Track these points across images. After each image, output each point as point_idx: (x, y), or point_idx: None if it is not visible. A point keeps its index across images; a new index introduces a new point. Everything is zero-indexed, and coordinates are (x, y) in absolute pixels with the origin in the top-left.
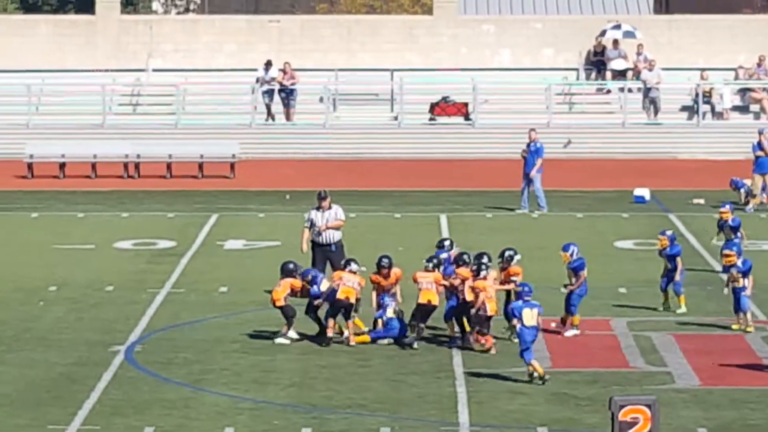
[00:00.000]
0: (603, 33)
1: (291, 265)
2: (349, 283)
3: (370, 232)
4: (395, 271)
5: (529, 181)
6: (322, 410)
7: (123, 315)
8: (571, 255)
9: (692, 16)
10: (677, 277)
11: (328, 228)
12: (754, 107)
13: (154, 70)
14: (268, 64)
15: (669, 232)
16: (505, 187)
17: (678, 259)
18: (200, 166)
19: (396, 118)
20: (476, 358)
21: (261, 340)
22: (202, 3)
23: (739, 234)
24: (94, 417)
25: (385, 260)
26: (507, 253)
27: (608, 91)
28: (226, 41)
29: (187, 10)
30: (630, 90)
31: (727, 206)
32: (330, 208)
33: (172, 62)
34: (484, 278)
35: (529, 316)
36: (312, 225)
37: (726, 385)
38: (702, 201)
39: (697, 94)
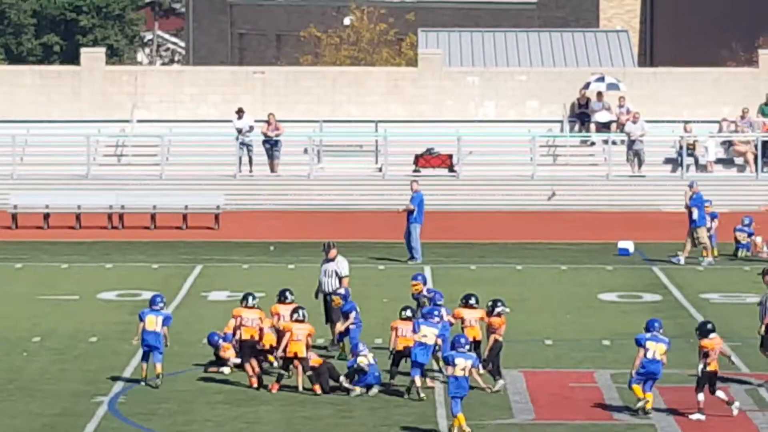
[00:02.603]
0: (587, 85)
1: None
2: (248, 323)
3: (355, 284)
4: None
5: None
6: None
7: (107, 366)
8: (424, 284)
9: (676, 68)
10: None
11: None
12: (738, 160)
13: (139, 121)
14: (240, 112)
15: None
16: (490, 239)
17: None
18: (184, 217)
19: (380, 170)
20: None
21: (244, 391)
22: (186, 54)
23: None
24: None
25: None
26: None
27: (592, 144)
28: (210, 92)
29: (171, 62)
30: (614, 142)
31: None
32: (334, 259)
33: (157, 113)
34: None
35: (461, 366)
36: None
37: None
38: (682, 261)
39: (681, 147)
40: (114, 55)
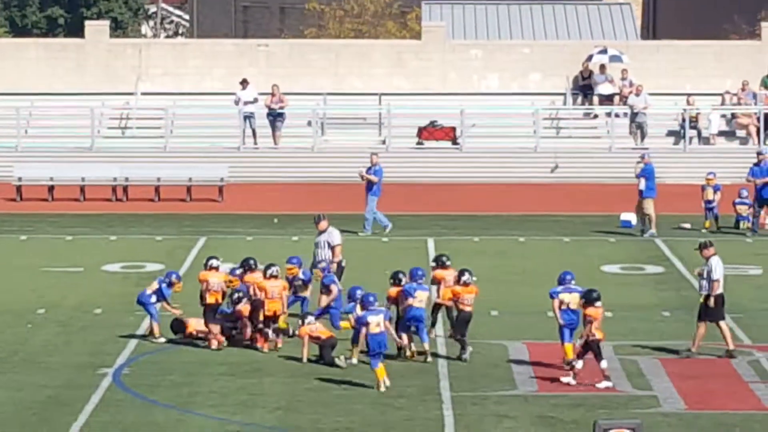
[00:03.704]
0: (590, 58)
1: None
2: (214, 287)
3: (358, 256)
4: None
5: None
6: None
7: (111, 338)
8: (299, 267)
9: (679, 41)
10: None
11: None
12: (740, 132)
13: (143, 94)
14: (244, 83)
15: None
16: (493, 211)
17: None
18: (188, 189)
19: (384, 142)
20: (463, 381)
21: (248, 362)
22: (190, 27)
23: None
24: None
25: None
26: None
27: (595, 116)
28: (214, 65)
29: (176, 34)
30: (617, 115)
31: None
32: (326, 230)
33: (161, 86)
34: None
35: (375, 323)
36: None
37: (712, 409)
38: (689, 225)
39: (683, 119)
40: (118, 28)
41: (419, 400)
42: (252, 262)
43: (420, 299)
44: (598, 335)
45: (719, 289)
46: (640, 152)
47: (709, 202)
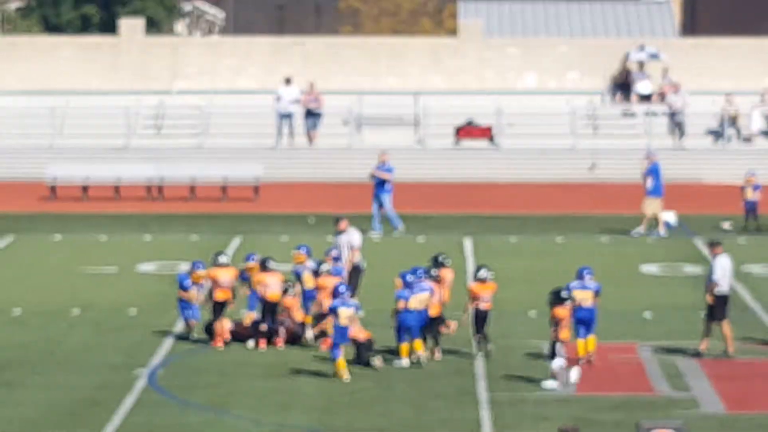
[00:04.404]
0: (628, 56)
1: None
2: (223, 284)
3: (394, 256)
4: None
5: (380, 203)
6: None
7: (146, 338)
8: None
9: (718, 39)
10: None
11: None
12: None
13: (178, 92)
14: (288, 81)
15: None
16: (530, 211)
17: None
18: (223, 188)
19: (420, 141)
20: (500, 382)
21: (283, 363)
22: (226, 25)
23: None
24: None
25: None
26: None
27: (633, 115)
28: (249, 63)
29: (210, 32)
30: (655, 114)
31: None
32: (345, 231)
33: (196, 84)
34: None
35: (345, 316)
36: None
37: (752, 411)
38: (728, 225)
39: (722, 118)
40: (152, 26)
41: (456, 401)
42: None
43: (420, 300)
44: (563, 335)
45: (720, 289)
46: (679, 151)
47: (749, 201)
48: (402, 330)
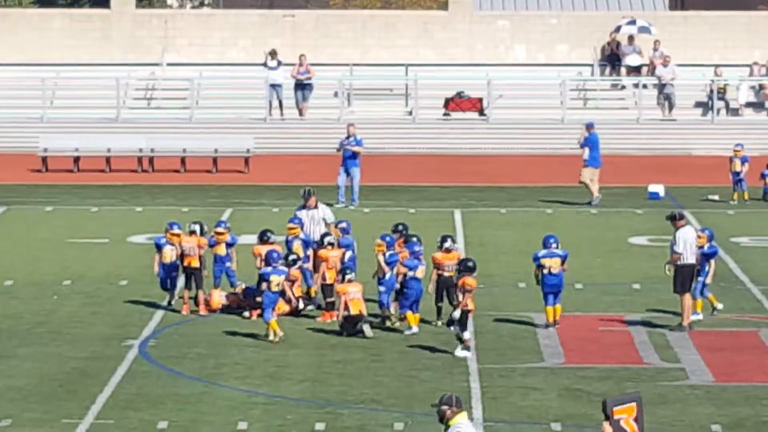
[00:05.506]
0: (618, 29)
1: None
2: (189, 252)
3: (384, 228)
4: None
5: (348, 175)
6: (336, 405)
7: (137, 309)
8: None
9: (707, 12)
10: (708, 280)
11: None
12: None
13: (169, 65)
14: (273, 54)
15: (707, 231)
16: (520, 183)
17: (713, 261)
18: (214, 160)
19: (410, 114)
20: (490, 353)
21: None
22: None
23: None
24: (108, 411)
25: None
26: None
27: (623, 87)
28: (240, 36)
29: (201, 5)
30: (645, 86)
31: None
32: (316, 207)
33: (187, 56)
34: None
35: (275, 282)
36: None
37: (740, 381)
38: (717, 197)
39: (711, 91)
40: None
41: (446, 373)
42: (268, 233)
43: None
44: (470, 305)
45: (682, 261)
46: (668, 123)
47: (736, 173)
48: (410, 299)
